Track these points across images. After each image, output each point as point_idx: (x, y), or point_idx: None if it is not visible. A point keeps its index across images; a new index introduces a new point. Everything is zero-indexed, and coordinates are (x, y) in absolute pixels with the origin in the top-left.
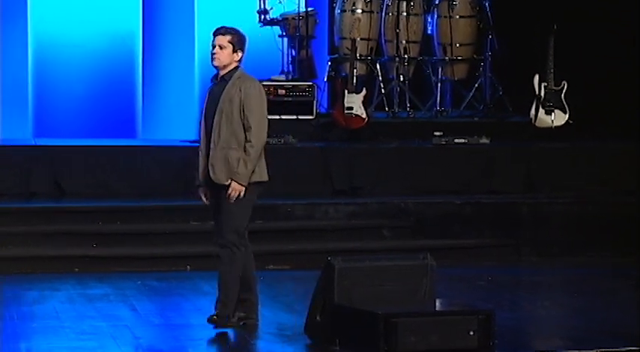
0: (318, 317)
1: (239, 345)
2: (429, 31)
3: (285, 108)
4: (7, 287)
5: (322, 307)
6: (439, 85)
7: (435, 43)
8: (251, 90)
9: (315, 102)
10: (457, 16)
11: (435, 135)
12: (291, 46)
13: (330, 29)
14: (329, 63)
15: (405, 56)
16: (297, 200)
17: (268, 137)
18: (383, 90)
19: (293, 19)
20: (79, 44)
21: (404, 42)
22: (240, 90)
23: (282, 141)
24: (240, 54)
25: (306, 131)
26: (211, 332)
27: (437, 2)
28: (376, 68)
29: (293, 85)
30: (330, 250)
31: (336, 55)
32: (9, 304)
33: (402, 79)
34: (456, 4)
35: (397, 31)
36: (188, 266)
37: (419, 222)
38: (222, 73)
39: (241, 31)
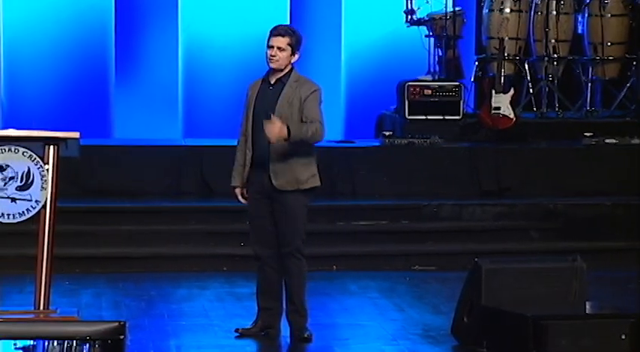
0: (465, 319)
1: (383, 345)
2: (580, 30)
3: (431, 109)
4: (157, 285)
5: (469, 308)
6: (589, 84)
7: (586, 42)
8: (311, 92)
9: (461, 102)
10: (609, 15)
11: (585, 136)
12: (437, 45)
13: (477, 29)
14: (476, 63)
15: (555, 55)
16: (443, 200)
17: (414, 137)
18: (531, 90)
19: (440, 18)
20: (227, 46)
21: (553, 41)
22: (300, 93)
23: (429, 141)
24: (297, 56)
25: (452, 131)
26: (357, 330)
27: (588, 1)
28: (524, 68)
29: (439, 85)
30: (477, 251)
31: (484, 55)
32: (159, 302)
33: (551, 78)
34: (607, 3)
35: (546, 30)
36: (334, 266)
37: (568, 224)
38: (278, 74)
39: (298, 31)
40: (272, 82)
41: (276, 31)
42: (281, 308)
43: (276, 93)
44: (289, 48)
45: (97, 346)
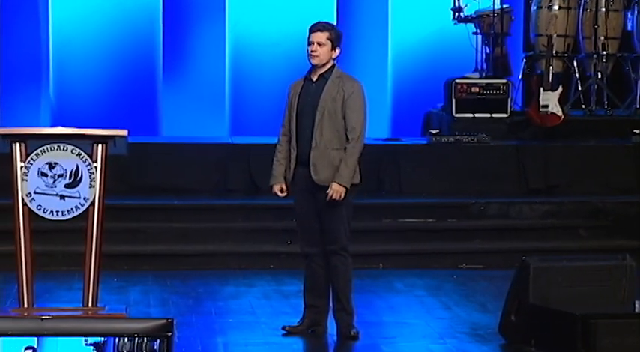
0: (512, 317)
1: (430, 343)
2: (629, 27)
3: (478, 107)
4: (204, 282)
5: (517, 307)
6: (638, 81)
7: (635, 39)
8: (354, 90)
9: (509, 100)
10: None
11: (634, 134)
12: (485, 43)
13: (525, 26)
14: (524, 60)
15: (604, 53)
16: (490, 198)
17: (461, 135)
18: (580, 88)
19: (488, 16)
20: (274, 44)
21: (602, 38)
22: (343, 90)
23: (476, 139)
24: (337, 51)
25: (500, 129)
26: (404, 328)
27: None
28: (573, 65)
29: (487, 83)
30: (525, 249)
31: (532, 53)
32: (206, 299)
33: (599, 76)
34: None
35: (595, 27)
36: (381, 264)
37: (616, 222)
38: (320, 71)
39: (337, 27)
40: (314, 79)
41: (315, 27)
42: (328, 306)
43: (319, 88)
44: (329, 42)
45: (166, 342)
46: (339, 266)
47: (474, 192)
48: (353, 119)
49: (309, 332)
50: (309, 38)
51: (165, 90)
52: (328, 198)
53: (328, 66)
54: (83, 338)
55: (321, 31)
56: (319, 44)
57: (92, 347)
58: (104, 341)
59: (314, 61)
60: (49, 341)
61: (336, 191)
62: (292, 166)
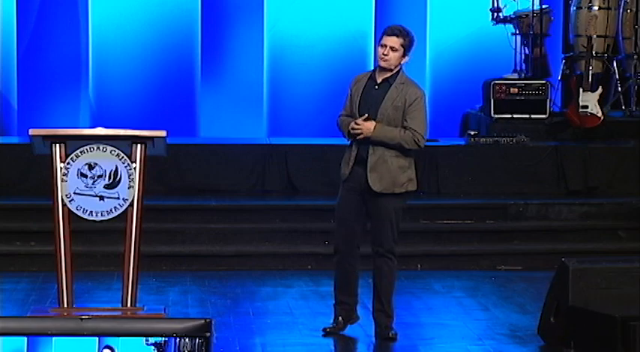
0: (551, 319)
1: (469, 345)
2: None
3: (517, 107)
4: (242, 283)
5: (556, 309)
6: None
7: None
8: (416, 98)
9: (548, 100)
10: None
11: None
12: (524, 44)
13: (564, 26)
14: (563, 61)
15: None
16: (529, 200)
17: (500, 136)
18: (620, 89)
19: (527, 16)
20: (312, 45)
21: None
22: (405, 98)
23: (515, 140)
24: (407, 58)
25: (538, 130)
26: (442, 330)
27: None
28: (613, 66)
29: (526, 84)
30: (564, 251)
31: (571, 53)
32: (244, 300)
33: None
34: None
35: (636, 27)
36: (419, 265)
37: None
38: (385, 75)
39: (412, 33)
40: (378, 81)
41: (391, 31)
42: (355, 301)
43: (382, 94)
44: (402, 49)
45: (205, 342)
46: (384, 268)
47: (512, 193)
48: (415, 123)
49: (345, 333)
50: (381, 40)
51: (203, 91)
52: (357, 123)
53: (395, 71)
54: (144, 338)
55: (397, 36)
56: (392, 49)
57: (153, 347)
58: (165, 341)
59: (383, 65)
60: (110, 341)
61: (367, 126)
62: (351, 163)
